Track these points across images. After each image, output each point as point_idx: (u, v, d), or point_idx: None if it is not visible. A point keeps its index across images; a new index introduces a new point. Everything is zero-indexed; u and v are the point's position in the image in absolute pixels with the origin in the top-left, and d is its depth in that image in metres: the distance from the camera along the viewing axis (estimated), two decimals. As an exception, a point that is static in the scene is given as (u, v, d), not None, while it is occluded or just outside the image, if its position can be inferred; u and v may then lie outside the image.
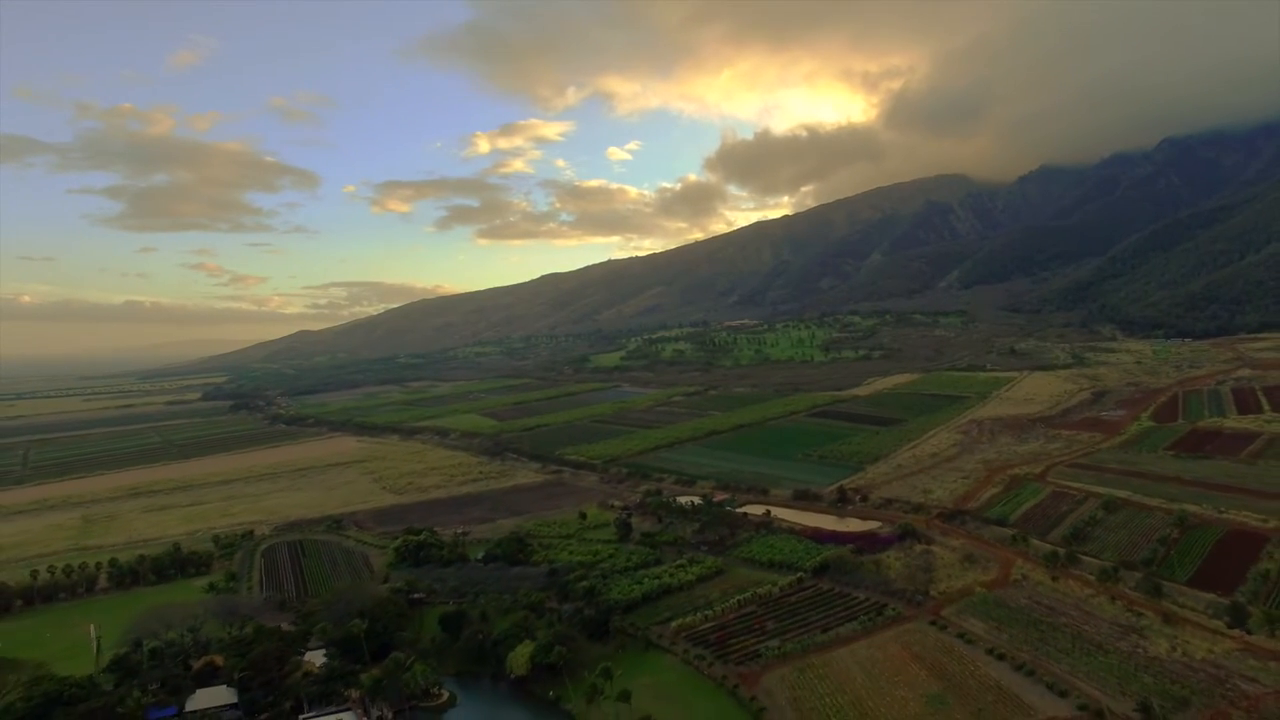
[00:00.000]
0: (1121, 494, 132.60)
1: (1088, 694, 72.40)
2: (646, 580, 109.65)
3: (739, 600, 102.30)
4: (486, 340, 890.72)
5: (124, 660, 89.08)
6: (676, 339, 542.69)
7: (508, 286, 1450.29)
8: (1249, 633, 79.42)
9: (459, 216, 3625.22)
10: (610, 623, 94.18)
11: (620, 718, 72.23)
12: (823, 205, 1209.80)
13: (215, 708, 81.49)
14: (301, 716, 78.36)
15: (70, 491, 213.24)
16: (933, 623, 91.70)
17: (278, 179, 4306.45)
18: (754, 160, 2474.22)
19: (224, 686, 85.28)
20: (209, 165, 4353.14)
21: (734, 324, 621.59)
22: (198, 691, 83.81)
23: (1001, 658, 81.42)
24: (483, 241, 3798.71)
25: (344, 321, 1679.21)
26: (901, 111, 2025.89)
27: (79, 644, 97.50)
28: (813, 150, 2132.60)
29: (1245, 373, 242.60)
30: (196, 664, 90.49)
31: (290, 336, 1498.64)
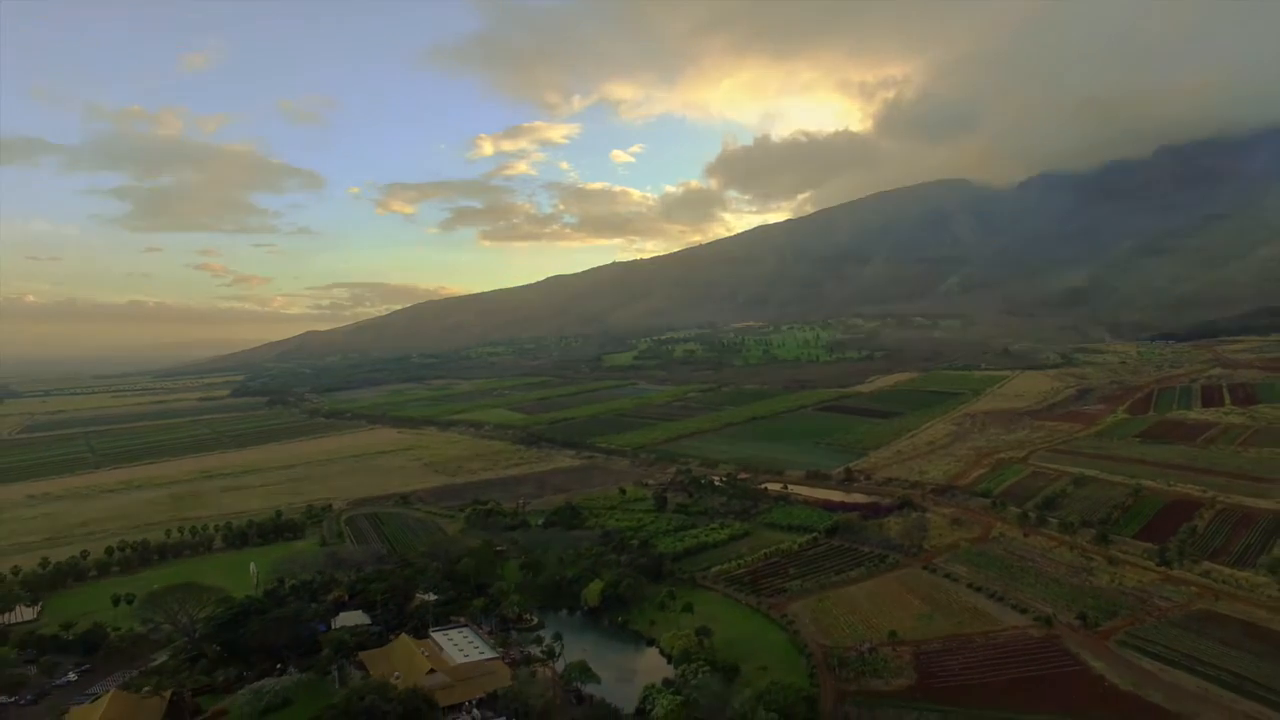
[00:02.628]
0: (1090, 472, 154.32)
1: (1041, 610, 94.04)
2: (687, 539, 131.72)
3: (765, 553, 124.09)
4: (496, 341, 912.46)
5: (274, 592, 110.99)
6: (686, 340, 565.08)
7: (515, 288, 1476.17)
8: (1170, 568, 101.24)
9: (463, 218, 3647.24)
10: (663, 567, 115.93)
11: (682, 627, 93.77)
12: (825, 210, 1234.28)
13: (355, 626, 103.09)
14: (430, 630, 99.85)
15: (148, 475, 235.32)
16: (925, 568, 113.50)
17: (283, 180, 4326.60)
18: (754, 166, 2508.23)
19: (359, 611, 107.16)
20: (216, 166, 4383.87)
21: (741, 325, 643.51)
22: (340, 614, 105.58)
23: (979, 590, 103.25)
24: (486, 243, 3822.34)
25: (348, 322, 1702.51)
26: (898, 120, 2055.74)
27: (227, 582, 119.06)
28: (812, 156, 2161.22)
29: (1217, 372, 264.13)
30: (329, 597, 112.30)
31: (300, 336, 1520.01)
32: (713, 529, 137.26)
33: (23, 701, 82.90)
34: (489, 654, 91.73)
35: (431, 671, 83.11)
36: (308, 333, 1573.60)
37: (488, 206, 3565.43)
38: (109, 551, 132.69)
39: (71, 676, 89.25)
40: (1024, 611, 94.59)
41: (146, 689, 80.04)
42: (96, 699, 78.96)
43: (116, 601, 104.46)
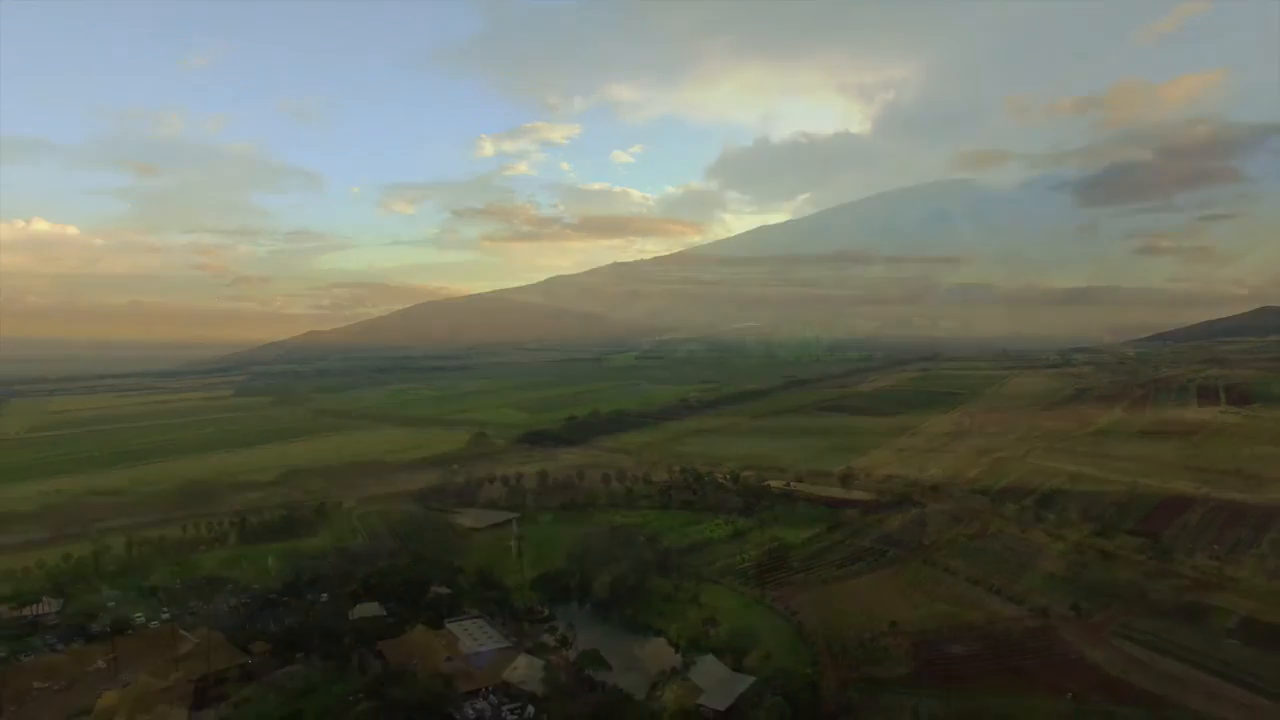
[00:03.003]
0: (1087, 470, 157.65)
1: (1037, 602, 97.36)
2: (692, 534, 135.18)
3: (769, 548, 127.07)
4: (499, 340, 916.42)
5: (293, 584, 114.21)
6: (687, 340, 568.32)
7: (516, 288, 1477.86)
8: (1162, 561, 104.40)
9: (463, 218, 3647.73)
10: (669, 561, 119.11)
11: (689, 618, 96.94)
12: (825, 210, 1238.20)
13: (372, 617, 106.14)
14: (446, 621, 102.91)
15: (158, 473, 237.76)
16: (924, 562, 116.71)
17: (284, 180, 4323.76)
18: (754, 167, 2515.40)
19: (375, 603, 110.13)
20: (216, 167, 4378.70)
21: (742, 326, 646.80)
22: (357, 606, 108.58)
23: (976, 583, 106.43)
24: (487, 243, 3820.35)
25: (349, 322, 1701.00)
26: (897, 121, 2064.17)
27: (245, 575, 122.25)
28: (811, 157, 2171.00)
29: (1214, 371, 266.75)
30: (346, 590, 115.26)
31: (301, 336, 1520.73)
32: (717, 524, 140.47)
33: (55, 688, 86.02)
34: (503, 643, 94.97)
35: (449, 659, 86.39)
36: (309, 333, 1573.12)
37: (488, 207, 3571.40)
38: (128, 547, 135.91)
39: (100, 664, 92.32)
40: (1020, 603, 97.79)
41: (174, 675, 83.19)
42: (126, 685, 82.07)
43: (140, 593, 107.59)
